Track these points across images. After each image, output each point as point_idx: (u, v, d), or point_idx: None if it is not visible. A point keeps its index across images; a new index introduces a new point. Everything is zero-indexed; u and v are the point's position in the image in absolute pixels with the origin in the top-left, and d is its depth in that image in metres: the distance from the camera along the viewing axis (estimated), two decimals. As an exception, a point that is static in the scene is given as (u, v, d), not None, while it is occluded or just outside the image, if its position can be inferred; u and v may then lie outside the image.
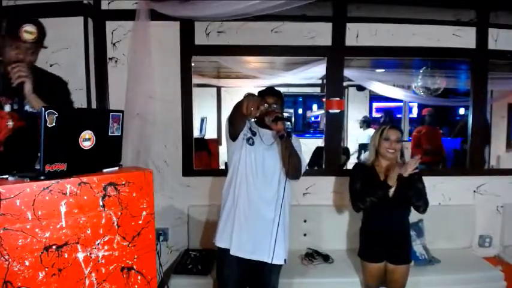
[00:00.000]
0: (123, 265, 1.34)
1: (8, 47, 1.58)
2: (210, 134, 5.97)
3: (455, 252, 2.82)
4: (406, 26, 2.92)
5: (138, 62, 2.66)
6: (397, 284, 2.18)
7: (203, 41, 2.86)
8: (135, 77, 2.67)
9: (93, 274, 1.25)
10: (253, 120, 2.00)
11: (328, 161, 3.04)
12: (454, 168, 5.17)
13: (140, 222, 1.40)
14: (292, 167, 1.84)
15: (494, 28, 2.96)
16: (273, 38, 2.87)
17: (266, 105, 1.86)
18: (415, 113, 7.21)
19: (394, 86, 5.15)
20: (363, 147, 5.57)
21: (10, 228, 1.08)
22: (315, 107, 7.21)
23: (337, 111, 2.96)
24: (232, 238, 1.92)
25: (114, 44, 2.80)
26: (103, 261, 1.28)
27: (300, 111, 7.30)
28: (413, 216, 2.44)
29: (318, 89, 6.68)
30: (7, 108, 1.63)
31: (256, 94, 1.89)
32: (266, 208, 1.92)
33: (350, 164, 4.38)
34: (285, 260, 1.96)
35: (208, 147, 4.60)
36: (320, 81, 5.75)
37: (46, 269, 1.14)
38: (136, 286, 1.39)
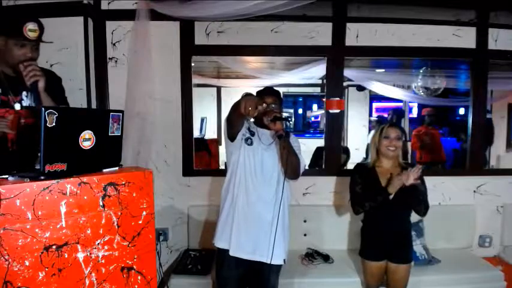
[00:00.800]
0: (123, 265, 1.34)
1: (13, 46, 1.59)
2: (210, 134, 5.96)
3: (455, 252, 2.82)
4: (406, 26, 2.93)
5: (138, 62, 2.66)
6: (399, 285, 2.18)
7: (203, 41, 2.86)
8: (135, 77, 2.67)
9: (93, 274, 1.26)
10: (251, 120, 2.00)
11: (328, 161, 3.04)
12: (454, 168, 5.17)
13: (140, 222, 1.40)
14: (290, 167, 1.84)
15: (494, 28, 2.96)
16: (273, 38, 2.87)
17: (264, 105, 1.86)
18: (415, 113, 7.20)
19: (394, 86, 5.15)
20: None
21: (10, 228, 1.08)
22: (315, 107, 7.20)
23: (337, 111, 2.96)
24: (231, 238, 1.92)
25: (114, 44, 2.80)
26: (103, 261, 1.28)
27: (300, 111, 7.29)
28: (414, 216, 2.43)
29: (318, 89, 6.68)
30: (17, 106, 1.65)
31: (255, 94, 1.89)
32: (265, 208, 1.92)
33: (351, 164, 4.38)
34: (284, 260, 1.96)
35: (208, 147, 4.59)
36: (320, 81, 5.74)
37: (46, 269, 1.14)
38: (136, 286, 1.39)
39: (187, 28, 2.82)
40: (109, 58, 2.80)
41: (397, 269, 2.16)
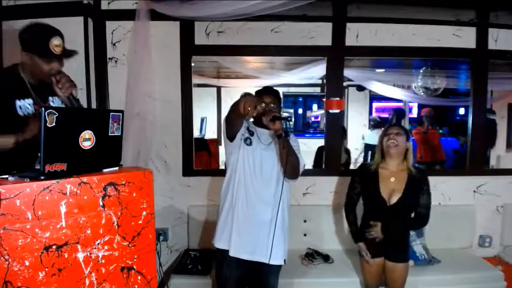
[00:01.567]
0: (123, 265, 1.34)
1: (41, 63, 1.61)
2: (210, 134, 5.96)
3: (455, 252, 2.82)
4: (406, 26, 2.93)
5: (138, 62, 2.66)
6: (397, 284, 2.18)
7: (203, 41, 2.86)
8: (135, 77, 2.67)
9: (93, 274, 1.26)
10: (251, 120, 1.99)
11: (328, 161, 3.04)
12: (454, 168, 5.17)
13: (140, 222, 1.40)
14: (290, 167, 1.84)
15: (494, 28, 2.96)
16: (273, 38, 2.87)
17: (263, 104, 1.86)
18: (415, 113, 7.20)
19: (394, 86, 5.14)
20: (370, 147, 5.52)
21: (10, 228, 1.08)
22: (315, 107, 7.20)
23: (337, 111, 2.96)
24: (231, 239, 1.91)
25: (114, 44, 2.80)
26: (103, 261, 1.28)
27: (300, 111, 7.29)
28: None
29: (318, 89, 6.68)
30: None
31: (253, 94, 1.89)
32: (265, 208, 1.91)
33: (353, 165, 4.39)
34: (284, 261, 1.96)
35: (208, 147, 4.59)
36: (320, 81, 5.74)
37: (46, 269, 1.14)
38: (136, 286, 1.39)
39: (187, 28, 2.82)
40: (109, 58, 2.80)
41: (394, 267, 2.16)
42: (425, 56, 3.20)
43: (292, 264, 2.50)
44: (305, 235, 2.90)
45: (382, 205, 2.13)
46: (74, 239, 1.20)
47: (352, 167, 4.26)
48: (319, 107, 7.01)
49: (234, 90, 5.97)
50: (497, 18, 2.95)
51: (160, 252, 2.67)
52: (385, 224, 2.14)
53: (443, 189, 2.98)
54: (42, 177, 1.15)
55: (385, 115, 6.58)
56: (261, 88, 2.05)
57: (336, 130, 3.04)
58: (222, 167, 4.63)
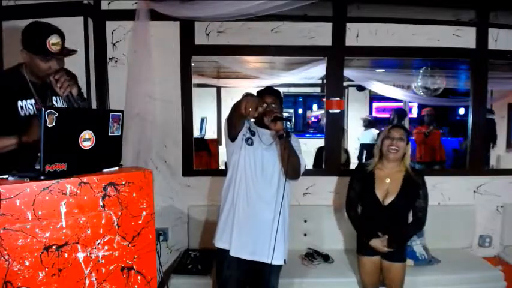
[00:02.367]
0: (123, 265, 1.34)
1: (39, 62, 1.60)
2: (210, 134, 5.96)
3: (455, 252, 2.82)
4: (406, 26, 2.92)
5: (138, 62, 2.66)
6: (395, 284, 2.17)
7: (203, 41, 2.86)
8: (135, 77, 2.67)
9: (93, 274, 1.26)
10: (252, 120, 2.00)
11: (328, 161, 3.04)
12: (454, 168, 5.17)
13: (140, 222, 1.40)
14: (291, 167, 1.84)
15: (494, 28, 2.96)
16: (273, 38, 2.87)
17: (265, 105, 1.86)
18: (415, 113, 7.20)
19: (394, 86, 5.15)
20: (365, 147, 5.54)
21: (10, 228, 1.08)
22: (315, 107, 7.21)
23: (337, 111, 2.96)
24: (231, 239, 1.91)
25: (114, 44, 2.80)
26: (103, 261, 1.28)
27: (300, 111, 7.30)
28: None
29: (318, 89, 6.68)
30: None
31: (255, 94, 1.89)
32: (265, 208, 1.91)
33: (353, 164, 4.38)
34: (284, 261, 1.96)
35: (208, 147, 4.59)
36: (320, 81, 5.74)
37: (46, 269, 1.14)
38: (136, 286, 1.39)
39: (187, 28, 2.82)
40: (109, 58, 2.80)
41: (390, 267, 2.16)
42: (425, 56, 3.20)
43: (292, 264, 2.50)
44: (305, 235, 2.90)
45: (377, 205, 2.14)
46: (74, 239, 1.20)
47: (352, 167, 4.26)
48: (319, 107, 7.01)
49: (234, 90, 5.97)
50: (497, 18, 2.95)
51: (160, 252, 2.67)
52: (381, 223, 2.15)
53: (443, 189, 2.98)
54: (42, 177, 1.15)
55: (385, 115, 6.59)
56: (262, 88, 2.05)
57: (336, 130, 3.04)
58: (222, 167, 4.63)
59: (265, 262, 1.90)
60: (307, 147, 3.94)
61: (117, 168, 1.43)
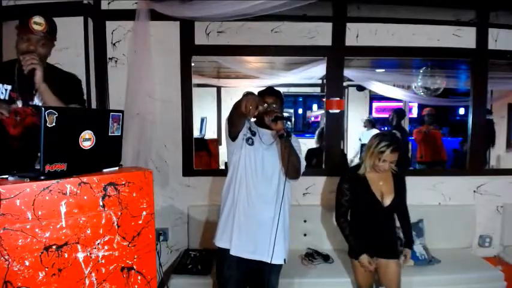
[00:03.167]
0: (123, 265, 1.34)
1: (19, 39, 1.64)
2: (210, 134, 5.96)
3: (455, 252, 2.82)
4: (406, 26, 2.93)
5: (138, 62, 2.66)
6: (392, 283, 2.17)
7: (203, 41, 2.86)
8: (135, 77, 2.67)
9: (93, 274, 1.26)
10: (253, 120, 2.00)
11: (328, 161, 3.04)
12: (454, 168, 5.17)
13: (140, 222, 1.40)
14: (291, 167, 1.84)
15: (494, 28, 2.97)
16: (273, 38, 2.87)
17: (265, 105, 1.86)
18: (415, 113, 7.20)
19: (394, 86, 5.14)
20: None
21: (10, 228, 1.08)
22: (315, 107, 7.21)
23: (337, 111, 2.96)
24: (232, 238, 1.92)
25: (114, 44, 2.80)
26: (103, 261, 1.28)
27: (300, 111, 7.31)
28: (413, 216, 2.44)
29: (318, 89, 6.68)
30: (19, 103, 1.68)
31: (255, 93, 1.90)
32: (266, 208, 1.92)
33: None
34: (284, 260, 1.96)
35: (208, 147, 4.59)
36: (320, 81, 5.74)
37: (46, 269, 1.14)
38: (136, 286, 1.39)
39: (187, 28, 2.82)
40: (109, 58, 2.80)
41: (387, 264, 2.14)
42: (425, 56, 3.20)
43: (292, 264, 2.50)
44: (305, 235, 2.90)
45: (377, 208, 2.13)
46: (74, 239, 1.20)
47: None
48: (319, 107, 7.02)
49: (234, 90, 5.97)
50: (497, 18, 2.95)
51: (160, 252, 2.67)
52: (379, 225, 2.15)
53: (443, 189, 2.98)
54: (42, 177, 1.15)
55: (385, 115, 6.59)
56: (263, 88, 2.05)
57: (336, 130, 3.04)
58: (222, 167, 4.63)
59: (265, 261, 1.89)
60: (307, 147, 3.94)
61: (117, 168, 1.44)
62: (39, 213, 1.13)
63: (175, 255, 2.91)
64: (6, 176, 1.18)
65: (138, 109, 2.65)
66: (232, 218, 1.93)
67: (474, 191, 3.02)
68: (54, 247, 1.16)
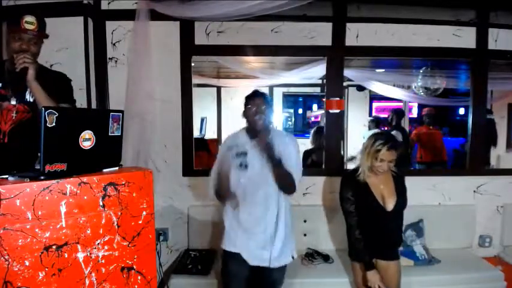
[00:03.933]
0: (123, 265, 1.34)
1: (11, 39, 1.65)
2: (210, 134, 5.96)
3: (455, 252, 2.82)
4: (406, 26, 2.92)
5: (138, 62, 2.66)
6: (392, 284, 2.16)
7: (203, 41, 2.86)
8: (135, 77, 2.67)
9: (93, 274, 1.26)
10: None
11: (328, 161, 3.04)
12: (454, 168, 5.17)
13: (140, 222, 1.40)
14: (284, 188, 1.91)
15: (494, 28, 2.96)
16: (273, 38, 2.87)
17: (254, 109, 1.89)
18: (415, 113, 7.20)
19: (394, 86, 5.14)
20: None
21: (10, 228, 1.08)
22: (315, 107, 7.20)
23: (337, 111, 2.96)
24: (237, 244, 1.97)
25: (114, 44, 2.80)
26: (103, 261, 1.28)
27: (300, 111, 7.30)
28: (414, 216, 2.44)
29: (318, 89, 6.67)
30: (13, 101, 1.70)
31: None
32: (265, 212, 1.94)
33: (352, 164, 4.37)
34: (292, 257, 2.02)
35: (208, 147, 4.59)
36: (320, 81, 5.74)
37: (46, 269, 1.14)
38: (136, 286, 1.39)
39: (187, 28, 2.82)
40: (109, 58, 2.80)
41: (388, 266, 2.13)
42: (425, 56, 3.20)
43: (292, 264, 2.48)
44: (305, 235, 2.90)
45: (381, 212, 2.10)
46: (74, 239, 1.20)
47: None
48: (319, 107, 7.01)
49: (234, 90, 5.97)
50: (497, 18, 2.95)
51: (160, 252, 2.67)
52: (381, 229, 2.13)
53: (443, 189, 2.98)
54: (42, 177, 1.15)
55: (385, 115, 6.57)
56: (250, 93, 2.00)
57: (336, 130, 3.04)
58: (222, 167, 4.61)
59: (267, 265, 1.93)
60: (307, 147, 3.94)
61: (117, 168, 1.44)
62: (39, 213, 1.13)
63: (175, 255, 2.91)
64: (6, 176, 1.18)
65: (138, 109, 2.65)
66: (236, 224, 1.98)
67: (474, 191, 3.02)
68: (54, 247, 1.16)
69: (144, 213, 1.41)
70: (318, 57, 3.48)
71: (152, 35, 2.68)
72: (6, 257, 1.07)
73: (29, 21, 1.63)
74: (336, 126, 3.03)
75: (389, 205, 2.11)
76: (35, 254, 1.12)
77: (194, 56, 2.90)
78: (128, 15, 2.67)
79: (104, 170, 1.38)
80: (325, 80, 3.61)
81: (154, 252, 1.48)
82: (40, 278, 1.13)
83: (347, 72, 4.13)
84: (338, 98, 2.94)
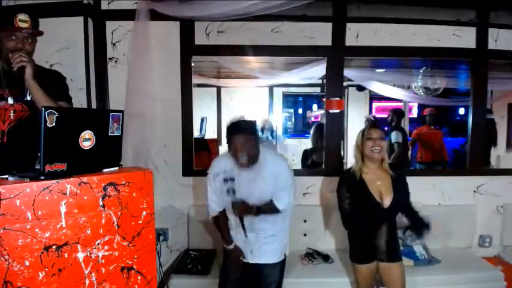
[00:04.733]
0: (123, 265, 1.34)
1: (5, 38, 1.65)
2: (210, 134, 5.96)
3: (455, 252, 2.82)
4: (406, 26, 2.93)
5: (138, 62, 2.66)
6: (397, 285, 2.15)
7: (203, 41, 2.86)
8: (135, 77, 2.67)
9: (93, 274, 1.25)
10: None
11: (328, 161, 3.04)
12: (454, 168, 5.16)
13: (140, 222, 1.40)
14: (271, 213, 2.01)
15: (494, 28, 2.96)
16: (273, 38, 2.87)
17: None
18: (415, 113, 7.19)
19: (394, 86, 5.14)
20: None
21: (10, 228, 1.08)
22: (315, 107, 7.19)
23: (337, 111, 2.96)
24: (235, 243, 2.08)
25: (114, 44, 2.80)
26: (103, 261, 1.28)
27: (300, 111, 7.29)
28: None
29: (318, 89, 6.67)
30: (10, 100, 1.69)
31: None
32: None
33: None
34: (285, 255, 2.08)
35: (208, 147, 4.59)
36: (320, 81, 5.74)
37: (46, 269, 1.14)
38: (136, 286, 1.39)
39: (187, 28, 2.82)
40: (109, 58, 2.80)
41: (390, 268, 2.12)
42: (425, 56, 3.20)
43: (292, 264, 2.50)
44: (305, 235, 2.90)
45: (377, 209, 2.09)
46: (74, 239, 1.20)
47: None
48: (319, 107, 7.00)
49: (234, 90, 5.97)
50: (497, 18, 2.95)
51: (160, 252, 2.66)
52: (380, 227, 2.12)
53: (443, 189, 2.98)
54: (42, 177, 1.15)
55: (385, 115, 6.57)
56: (231, 125, 1.93)
57: (336, 130, 3.04)
58: (222, 167, 4.61)
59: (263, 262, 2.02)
60: (307, 147, 3.94)
61: (117, 168, 1.44)
62: (39, 213, 1.13)
63: (175, 255, 2.91)
64: (6, 176, 1.18)
65: (138, 109, 2.64)
66: (232, 224, 2.09)
67: (474, 191, 3.02)
68: (54, 247, 1.16)
69: (144, 213, 1.41)
70: (318, 57, 3.48)
71: (152, 35, 2.67)
72: (6, 257, 1.07)
73: (23, 19, 1.63)
74: (336, 126, 3.03)
75: (386, 201, 2.09)
76: (35, 254, 1.12)
77: (194, 56, 2.90)
78: (127, 15, 2.67)
79: (104, 170, 1.38)
80: (325, 80, 3.61)
81: (154, 252, 1.48)
82: (40, 278, 1.13)
83: (347, 72, 4.13)
84: (338, 98, 2.95)
